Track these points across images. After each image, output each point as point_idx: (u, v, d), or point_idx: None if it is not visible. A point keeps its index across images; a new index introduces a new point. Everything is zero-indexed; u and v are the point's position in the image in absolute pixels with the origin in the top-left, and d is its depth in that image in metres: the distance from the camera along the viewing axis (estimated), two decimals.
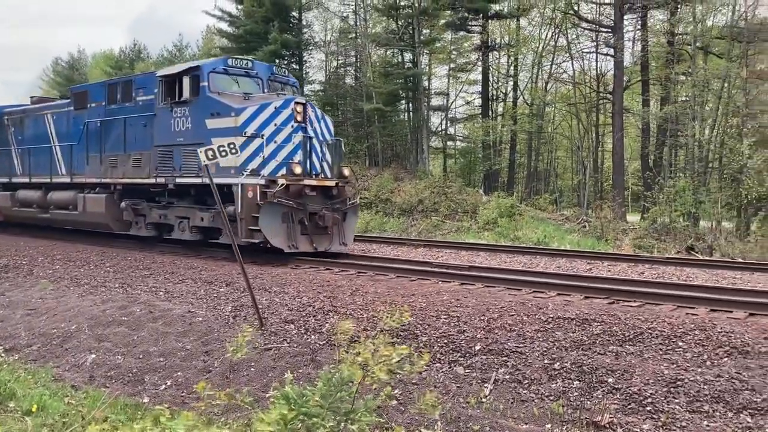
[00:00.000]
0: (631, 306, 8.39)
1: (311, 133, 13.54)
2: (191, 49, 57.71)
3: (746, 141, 24.63)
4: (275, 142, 12.93)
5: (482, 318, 7.98)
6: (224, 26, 38.70)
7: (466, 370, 6.90)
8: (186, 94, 13.69)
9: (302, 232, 12.83)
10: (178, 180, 13.94)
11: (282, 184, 12.44)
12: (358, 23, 37.21)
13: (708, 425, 5.45)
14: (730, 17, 28.40)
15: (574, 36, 34.89)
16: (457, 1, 33.66)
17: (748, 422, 5.41)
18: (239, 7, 36.57)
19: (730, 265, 13.68)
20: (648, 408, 5.79)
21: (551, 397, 6.19)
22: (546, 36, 35.09)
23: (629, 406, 5.86)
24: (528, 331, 7.47)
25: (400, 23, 33.88)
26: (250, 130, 12.69)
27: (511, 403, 6.26)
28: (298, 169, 12.85)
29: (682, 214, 23.65)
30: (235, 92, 13.74)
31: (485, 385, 6.57)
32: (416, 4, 32.40)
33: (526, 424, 5.91)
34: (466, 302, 8.76)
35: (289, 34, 33.87)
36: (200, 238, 14.24)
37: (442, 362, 7.09)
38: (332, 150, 14.12)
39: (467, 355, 7.16)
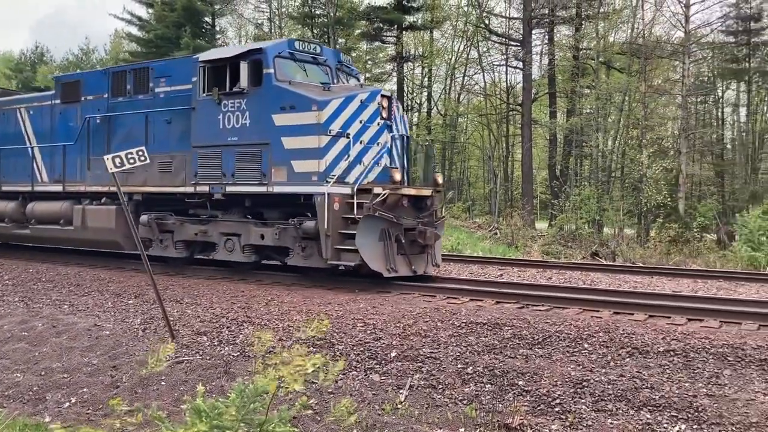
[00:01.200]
0: (540, 310, 8.68)
1: (396, 133, 11.56)
2: (98, 53, 55.68)
3: (645, 152, 26.03)
4: (361, 142, 10.87)
5: (398, 325, 8.06)
6: (134, 30, 37.58)
7: (382, 377, 6.94)
8: (243, 83, 11.13)
9: (399, 251, 10.74)
10: (229, 189, 11.46)
11: (384, 194, 10.39)
12: (273, 30, 36.95)
13: (611, 423, 5.70)
14: (630, 34, 30.00)
15: (485, 49, 35.98)
16: (372, 11, 33.98)
17: (648, 418, 5.69)
18: (149, 11, 35.61)
19: (632, 270, 14.38)
20: (556, 409, 6.00)
21: (464, 401, 6.32)
22: (458, 48, 35.98)
23: (539, 408, 6.05)
24: (442, 337, 7.60)
25: (315, 32, 33.86)
26: (336, 127, 10.52)
27: (426, 408, 6.34)
28: (398, 176, 10.79)
29: (587, 222, 24.71)
30: (308, 82, 11.43)
31: (401, 391, 6.63)
32: (331, 14, 32.51)
33: (441, 428, 6.00)
34: (382, 309, 8.82)
35: (202, 39, 33.23)
36: (255, 260, 11.79)
37: (358, 370, 7.10)
38: (425, 153, 12.24)
39: (383, 362, 7.21)
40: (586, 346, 7.04)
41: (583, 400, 6.03)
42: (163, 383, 7.28)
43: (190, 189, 11.95)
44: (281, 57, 11.23)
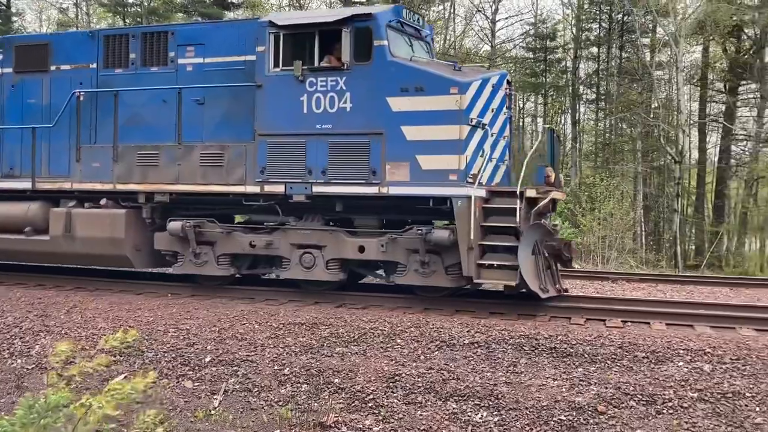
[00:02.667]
0: (357, 309, 8.86)
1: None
2: None
3: None
4: (492, 134, 9.18)
5: (213, 329, 7.84)
6: None
7: (196, 384, 6.72)
8: (346, 56, 9.01)
9: (545, 267, 8.85)
10: (319, 189, 9.17)
11: (548, 198, 8.73)
12: (80, 17, 34.35)
13: (421, 414, 5.98)
14: (443, 45, 31.66)
15: None
16: (190, 4, 32.81)
17: (454, 408, 6.04)
18: None
19: None
20: (370, 404, 6.17)
21: (280, 403, 6.30)
22: None
23: (353, 404, 6.19)
24: (259, 339, 7.51)
25: (127, 21, 32.00)
26: (474, 115, 8.74)
27: (241, 412, 6.23)
28: (553, 176, 9.15)
29: None
30: (424, 58, 9.65)
31: (215, 397, 6.46)
32: (146, 3, 30.92)
33: None
34: (196, 314, 8.52)
35: None
36: (341, 278, 9.45)
37: (170, 378, 6.81)
38: (553, 145, 9.93)
39: (197, 368, 6.98)
40: (399, 341, 7.31)
41: (395, 394, 6.26)
42: None
43: (253, 189, 9.42)
44: (391, 27, 9.21)
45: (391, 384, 6.40)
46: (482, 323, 7.82)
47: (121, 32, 10.80)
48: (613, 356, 6.66)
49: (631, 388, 6.03)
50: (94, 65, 10.53)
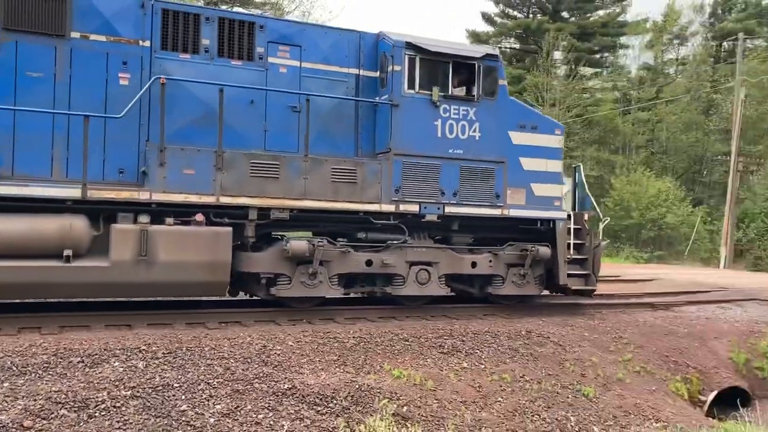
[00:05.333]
0: None
1: None
2: None
3: None
4: None
5: None
6: None
7: None
8: (477, 89, 10.06)
9: None
10: (451, 210, 9.91)
11: (606, 220, 11.94)
12: None
13: None
14: None
15: None
16: None
17: None
18: None
19: None
20: None
21: None
22: None
23: None
24: None
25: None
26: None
27: None
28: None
29: None
30: None
31: None
32: None
33: None
34: None
35: None
36: (445, 293, 10.59)
37: None
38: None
39: None
40: None
41: None
42: None
43: (388, 207, 9.54)
44: None
45: None
46: None
47: (189, 9, 9.14)
48: (46, 365, 6.35)
49: (63, 396, 5.83)
50: (147, 43, 8.68)
